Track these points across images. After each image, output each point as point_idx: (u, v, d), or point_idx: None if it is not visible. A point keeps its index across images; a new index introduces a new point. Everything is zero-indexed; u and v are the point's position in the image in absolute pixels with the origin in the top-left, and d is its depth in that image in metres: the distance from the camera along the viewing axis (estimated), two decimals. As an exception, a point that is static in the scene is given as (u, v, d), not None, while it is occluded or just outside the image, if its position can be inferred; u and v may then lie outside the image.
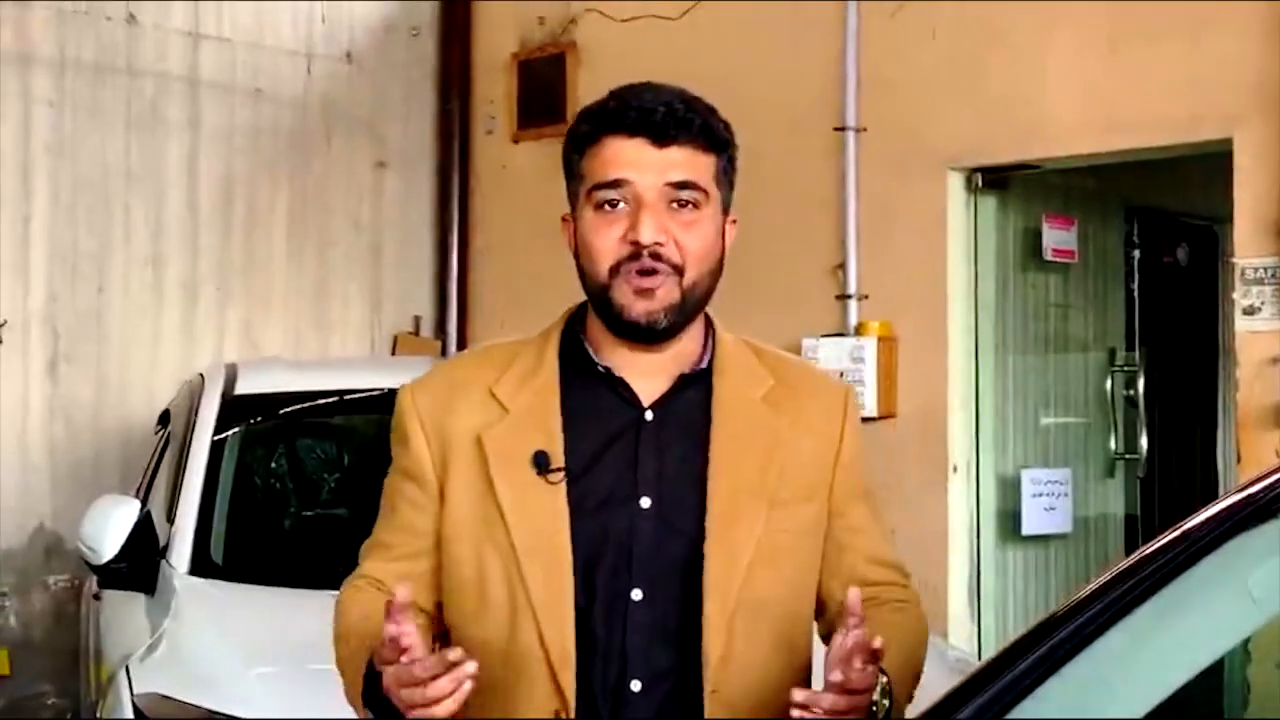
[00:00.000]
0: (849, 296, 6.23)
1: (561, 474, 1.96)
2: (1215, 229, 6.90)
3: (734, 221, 2.10)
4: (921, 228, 6.07)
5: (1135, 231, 6.87)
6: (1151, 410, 6.74)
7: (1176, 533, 1.66)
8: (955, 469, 6.04)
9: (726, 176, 2.07)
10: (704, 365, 2.05)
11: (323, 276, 7.48)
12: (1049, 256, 6.32)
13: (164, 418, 5.52)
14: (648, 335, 1.99)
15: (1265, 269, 5.16)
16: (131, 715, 3.68)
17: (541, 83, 7.35)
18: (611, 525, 1.96)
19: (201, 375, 5.14)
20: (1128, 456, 6.69)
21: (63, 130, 6.71)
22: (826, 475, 2.09)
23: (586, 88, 7.24)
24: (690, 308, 2.00)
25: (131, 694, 3.70)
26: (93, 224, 6.79)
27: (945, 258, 6.04)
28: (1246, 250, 5.24)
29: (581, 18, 7.28)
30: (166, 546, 4.35)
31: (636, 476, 1.98)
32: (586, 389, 2.02)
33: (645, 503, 1.97)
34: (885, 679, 1.90)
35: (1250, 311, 5.21)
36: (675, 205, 1.98)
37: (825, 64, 6.32)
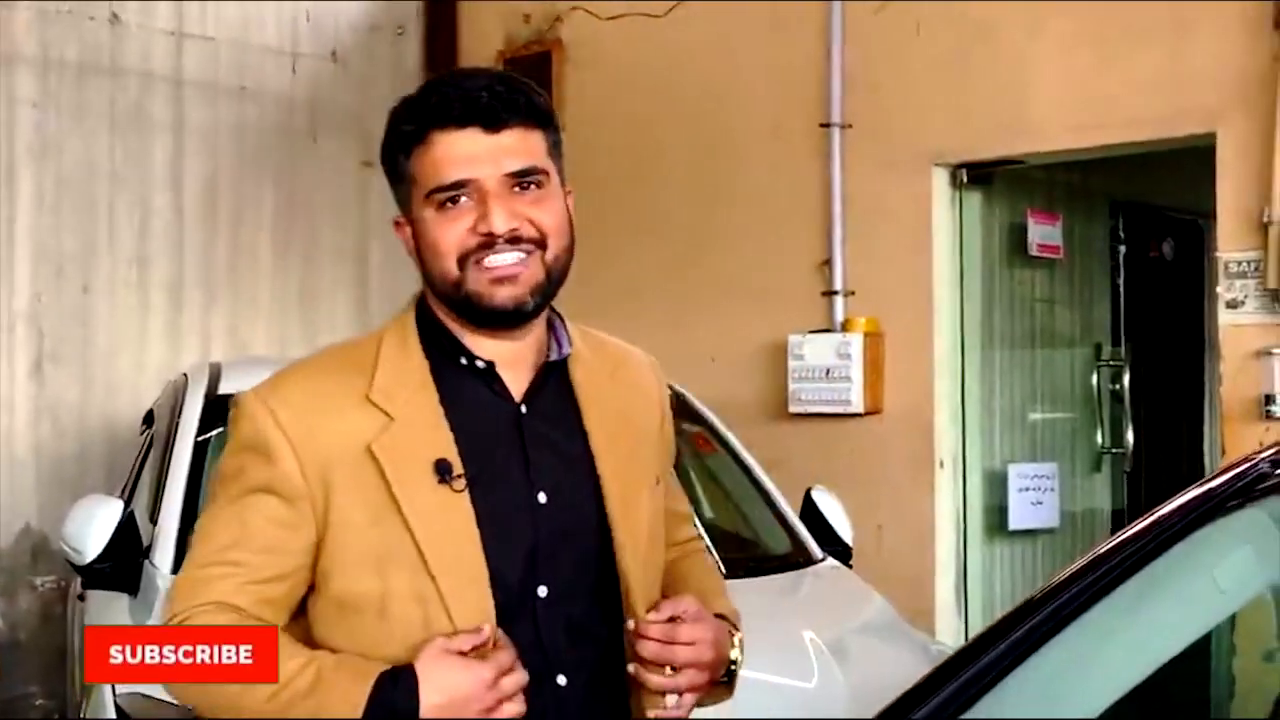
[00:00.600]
0: (835, 293, 6.24)
1: (464, 479, 1.88)
2: (1200, 223, 6.90)
3: (570, 192, 2.01)
4: (907, 224, 6.07)
5: (1120, 226, 6.88)
6: (1138, 405, 6.75)
7: (1143, 525, 1.66)
8: (942, 464, 6.04)
9: (557, 149, 1.99)
10: (567, 351, 2.02)
11: (309, 276, 7.47)
12: (1034, 252, 6.33)
13: (148, 418, 5.50)
14: (513, 319, 1.93)
15: (1248, 263, 5.17)
16: (114, 715, 3.67)
17: (528, 82, 7.33)
18: (514, 525, 1.91)
19: (185, 375, 5.12)
20: (1114, 451, 6.71)
21: (46, 131, 6.70)
22: (658, 443, 2.12)
23: (573, 85, 7.24)
24: (553, 285, 1.95)
25: (114, 694, 3.70)
26: (77, 224, 6.78)
27: (931, 254, 6.05)
28: (1229, 244, 5.24)
29: (567, 16, 7.28)
30: (150, 546, 4.33)
31: (529, 473, 1.93)
32: (458, 384, 1.94)
33: (542, 498, 1.93)
34: (739, 635, 2.02)
35: (1233, 305, 5.21)
36: (519, 188, 1.92)
37: (810, 61, 6.33)
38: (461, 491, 1.88)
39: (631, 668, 1.93)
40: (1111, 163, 6.15)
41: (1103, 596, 1.60)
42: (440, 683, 1.80)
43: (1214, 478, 1.72)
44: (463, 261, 1.91)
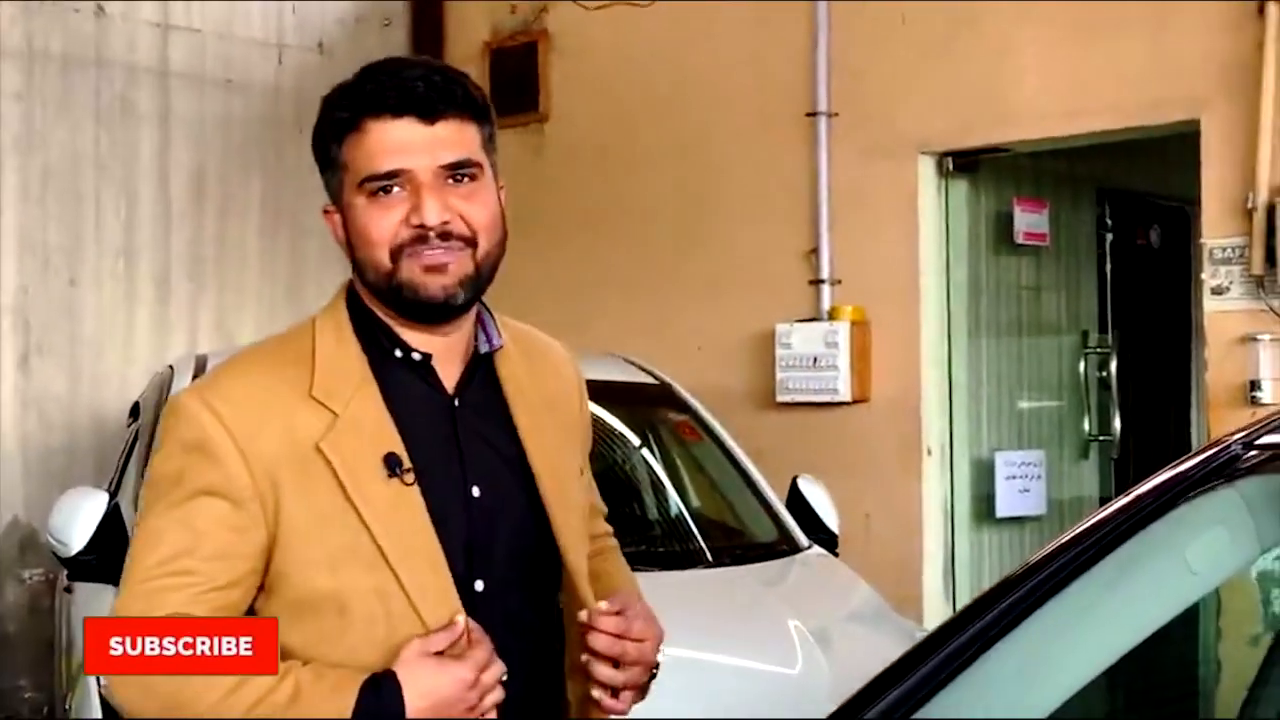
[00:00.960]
0: (822, 281, 6.24)
1: (412, 473, 1.87)
2: (1187, 210, 6.91)
3: (502, 187, 2.00)
4: (893, 212, 6.08)
5: (1107, 213, 6.89)
6: (1125, 392, 6.77)
7: (1115, 507, 1.67)
8: (929, 452, 6.05)
9: (492, 142, 1.97)
10: (498, 344, 2.01)
11: (296, 267, 7.46)
12: (1021, 239, 6.34)
13: (134, 410, 5.50)
14: (444, 312, 1.92)
15: (1233, 249, 5.18)
16: (99, 706, 3.67)
17: (514, 71, 7.33)
18: (451, 519, 1.90)
19: (171, 367, 5.12)
20: (1101, 438, 6.73)
21: (32, 123, 6.69)
22: (579, 435, 2.12)
23: (559, 76, 7.23)
24: (484, 280, 1.94)
25: (100, 685, 3.70)
26: (63, 216, 6.77)
27: (917, 242, 6.05)
28: (1214, 231, 5.25)
29: (553, 6, 7.27)
30: (135, 538, 4.34)
31: (463, 466, 1.93)
32: (394, 377, 1.93)
33: (476, 492, 1.93)
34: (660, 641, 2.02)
35: (1218, 291, 5.22)
36: (452, 180, 1.90)
37: (795, 50, 6.33)
38: (412, 484, 1.88)
39: (584, 658, 1.94)
40: (1098, 150, 6.16)
41: (1075, 579, 1.60)
42: (423, 686, 1.80)
43: (1187, 459, 1.73)
44: (396, 254, 1.89)
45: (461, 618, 1.84)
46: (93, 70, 6.87)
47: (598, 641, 1.93)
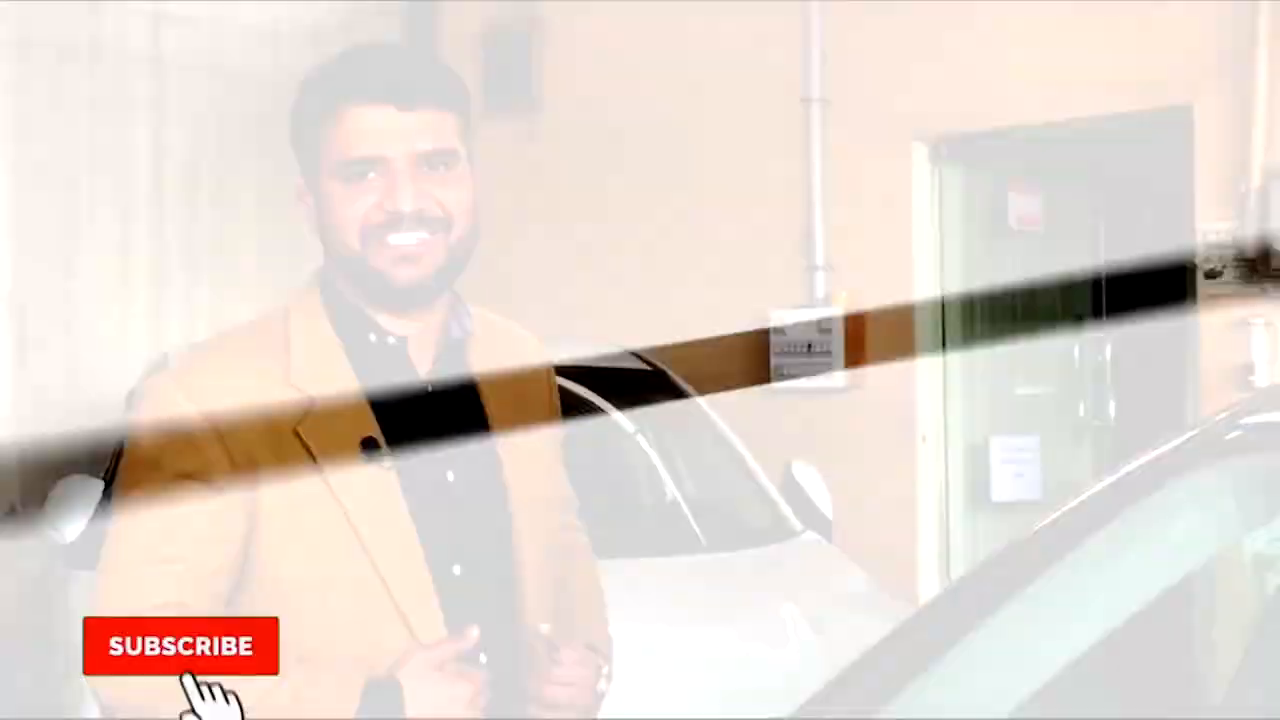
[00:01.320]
0: (816, 268, 6.25)
1: (390, 458, 1.88)
2: (1181, 194, 6.90)
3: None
4: (887, 198, 6.09)
5: (1101, 198, 6.89)
6: (1119, 376, 6.77)
7: (1100, 487, 1.68)
8: (924, 438, 6.06)
9: (468, 132, 1.97)
10: (469, 330, 2.01)
11: (291, 257, 7.46)
12: (1015, 224, 6.34)
13: (130, 400, 5.51)
14: (415, 299, 1.93)
15: (1226, 232, 5.19)
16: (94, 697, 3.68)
17: (508, 61, 7.33)
18: (428, 503, 1.91)
19: (165, 356, 5.13)
20: (1095, 423, 6.73)
21: (25, 113, 6.68)
22: (548, 423, 2.12)
23: (553, 65, 7.23)
24: (457, 266, 1.94)
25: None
26: (58, 208, 6.77)
27: (911, 227, 6.07)
28: (1208, 215, 5.27)
29: (546, -5, 7.27)
30: (131, 527, 4.34)
31: (439, 452, 1.93)
32: (368, 361, 1.93)
33: (450, 476, 1.94)
34: (608, 668, 2.01)
35: (1212, 275, 5.24)
36: (428, 168, 1.90)
37: (789, 37, 6.33)
38: (390, 469, 1.88)
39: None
40: (1091, 134, 6.15)
41: (1061, 557, 1.62)
42: (424, 697, 1.81)
43: (1173, 439, 1.74)
44: (366, 238, 1.89)
45: (476, 631, 1.85)
46: (86, 60, 6.87)
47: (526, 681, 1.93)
